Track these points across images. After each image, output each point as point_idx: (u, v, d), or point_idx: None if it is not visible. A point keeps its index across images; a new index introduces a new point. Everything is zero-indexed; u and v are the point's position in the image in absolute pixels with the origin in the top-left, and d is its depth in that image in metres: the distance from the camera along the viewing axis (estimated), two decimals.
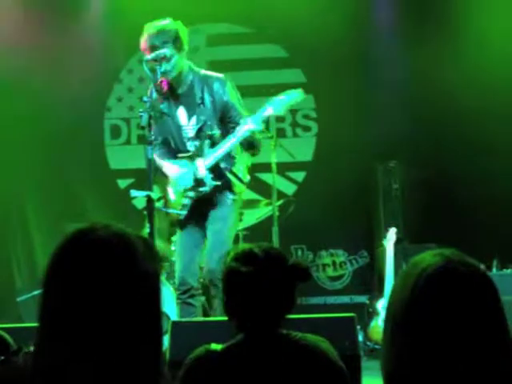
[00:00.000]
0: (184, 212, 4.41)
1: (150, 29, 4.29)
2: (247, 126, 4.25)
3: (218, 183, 4.36)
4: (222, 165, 4.40)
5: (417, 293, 1.40)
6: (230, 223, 4.46)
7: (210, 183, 4.35)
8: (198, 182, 4.39)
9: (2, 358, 2.08)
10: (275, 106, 4.31)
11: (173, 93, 4.44)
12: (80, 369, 1.31)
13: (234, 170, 4.49)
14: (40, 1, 7.21)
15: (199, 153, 4.39)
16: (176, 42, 4.28)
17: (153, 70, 4.14)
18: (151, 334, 1.39)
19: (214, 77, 4.45)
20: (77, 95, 7.16)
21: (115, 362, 1.33)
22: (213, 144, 4.38)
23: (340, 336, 3.02)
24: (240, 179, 4.51)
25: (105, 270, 1.34)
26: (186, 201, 4.43)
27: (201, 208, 4.41)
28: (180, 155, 4.47)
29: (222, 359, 2.05)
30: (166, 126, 4.45)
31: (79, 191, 7.24)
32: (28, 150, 7.16)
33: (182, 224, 4.46)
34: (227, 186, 4.43)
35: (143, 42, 4.31)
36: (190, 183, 4.40)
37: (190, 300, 4.41)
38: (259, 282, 2.07)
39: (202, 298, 5.37)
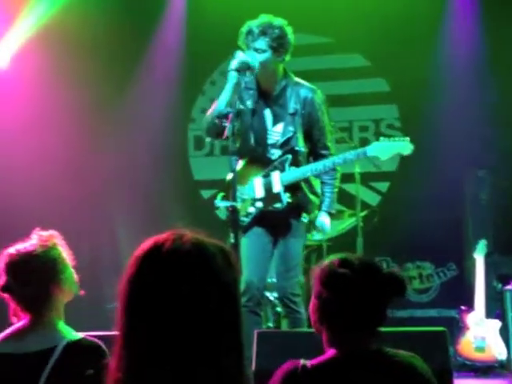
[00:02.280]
0: (247, 220, 4.28)
1: (253, 24, 4.15)
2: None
3: (292, 201, 4.26)
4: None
5: None
6: (301, 242, 4.36)
7: (286, 200, 4.25)
8: (272, 197, 4.28)
9: (91, 371, 2.11)
10: (379, 150, 4.21)
11: (263, 94, 4.33)
12: (160, 377, 1.31)
13: (313, 183, 4.40)
14: (125, 17, 7.36)
15: (279, 165, 4.30)
16: (276, 45, 4.14)
17: (236, 81, 4.02)
18: (232, 343, 1.37)
19: (307, 87, 4.33)
20: (162, 108, 7.29)
21: (196, 371, 1.32)
22: (295, 160, 4.28)
23: (431, 350, 2.93)
24: (317, 194, 4.41)
25: (181, 280, 1.34)
26: (253, 210, 4.31)
27: (272, 219, 4.29)
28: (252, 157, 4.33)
29: (313, 376, 1.98)
30: (251, 124, 4.29)
31: (164, 202, 7.34)
32: (114, 160, 7.33)
33: (249, 230, 4.30)
34: (302, 205, 4.32)
35: (243, 38, 4.18)
36: (262, 194, 4.29)
37: (256, 309, 4.26)
38: (355, 286, 2.01)
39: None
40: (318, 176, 4.39)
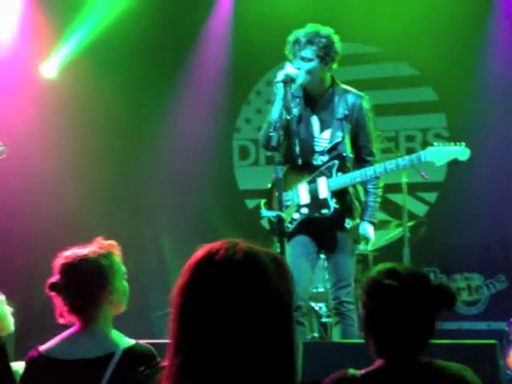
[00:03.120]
0: (292, 226, 4.24)
1: (300, 34, 4.16)
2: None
3: (338, 207, 4.21)
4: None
5: None
6: (350, 248, 4.30)
7: (333, 206, 4.21)
8: (318, 203, 4.24)
9: (142, 368, 2.12)
10: (434, 155, 4.15)
11: (310, 101, 4.32)
12: (212, 382, 1.31)
13: (358, 189, 4.36)
14: (169, 26, 7.42)
15: (326, 171, 4.27)
16: (323, 53, 4.14)
17: (283, 92, 4.01)
18: (284, 351, 1.36)
19: (354, 93, 4.32)
20: (207, 118, 7.33)
21: (247, 378, 1.32)
22: (342, 165, 4.24)
23: (481, 363, 2.86)
24: (361, 200, 4.36)
25: (234, 289, 1.34)
26: (298, 216, 4.27)
27: (317, 226, 4.26)
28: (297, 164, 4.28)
29: None
30: (297, 131, 4.27)
31: (209, 212, 7.36)
32: (158, 170, 7.39)
33: (292, 238, 4.24)
34: (348, 210, 4.27)
35: (290, 47, 4.18)
36: (307, 200, 4.24)
37: (301, 319, 4.22)
38: (401, 296, 1.98)
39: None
40: (361, 184, 4.35)
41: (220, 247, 1.38)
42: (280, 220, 3.73)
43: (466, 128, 6.83)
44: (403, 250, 5.67)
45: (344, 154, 4.24)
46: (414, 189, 6.48)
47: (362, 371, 2.00)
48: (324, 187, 4.22)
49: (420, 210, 7.07)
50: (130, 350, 2.45)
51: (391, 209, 6.71)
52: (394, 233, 6.24)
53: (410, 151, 7.01)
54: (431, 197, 7.16)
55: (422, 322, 2.01)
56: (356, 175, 4.21)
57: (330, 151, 4.27)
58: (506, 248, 6.56)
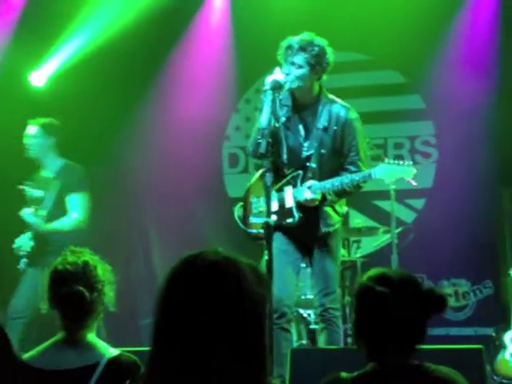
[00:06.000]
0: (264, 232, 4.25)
1: (294, 40, 4.20)
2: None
3: (303, 216, 4.24)
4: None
5: None
6: (332, 256, 4.33)
7: (298, 215, 4.25)
8: (284, 211, 4.27)
9: (128, 381, 2.13)
10: (384, 173, 4.20)
11: (298, 109, 4.35)
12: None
13: (337, 205, 4.39)
14: (159, 34, 7.43)
15: (291, 180, 4.30)
16: (314, 62, 4.18)
17: (271, 99, 4.06)
18: (256, 357, 1.39)
19: (339, 104, 4.35)
20: (197, 125, 7.34)
21: (217, 380, 1.34)
22: (306, 176, 4.26)
23: (467, 368, 2.89)
24: (336, 211, 4.39)
25: (213, 292, 1.38)
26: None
27: (298, 233, 4.30)
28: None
29: None
30: (285, 139, 4.32)
31: (199, 219, 7.36)
32: (148, 176, 7.39)
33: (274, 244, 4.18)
34: (321, 218, 4.30)
35: (282, 52, 4.22)
36: (276, 208, 4.22)
37: (287, 325, 4.23)
38: (393, 303, 2.01)
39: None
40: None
41: (198, 254, 1.43)
42: (268, 226, 3.76)
43: (453, 134, 6.87)
44: (391, 257, 5.70)
45: (307, 164, 4.27)
46: (402, 195, 6.51)
47: (354, 374, 2.03)
48: (290, 197, 4.25)
49: (408, 216, 7.11)
50: (114, 360, 2.43)
51: (379, 215, 6.75)
52: (382, 239, 6.27)
53: (398, 158, 7.05)
54: (419, 203, 7.19)
55: (413, 326, 2.05)
56: (316, 187, 4.22)
57: (302, 162, 4.31)
58: (493, 254, 6.60)
